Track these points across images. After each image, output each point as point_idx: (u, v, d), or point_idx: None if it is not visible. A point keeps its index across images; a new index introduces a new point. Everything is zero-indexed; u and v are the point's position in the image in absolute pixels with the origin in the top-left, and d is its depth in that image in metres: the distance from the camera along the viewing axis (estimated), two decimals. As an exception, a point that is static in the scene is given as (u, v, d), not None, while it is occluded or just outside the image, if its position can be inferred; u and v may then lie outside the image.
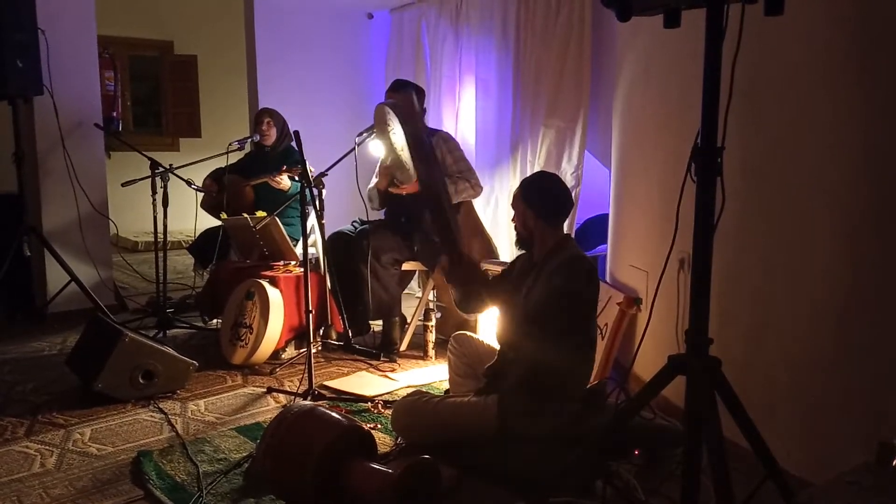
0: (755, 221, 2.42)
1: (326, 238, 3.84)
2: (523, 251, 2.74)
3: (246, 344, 3.61)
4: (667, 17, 1.73)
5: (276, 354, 3.72)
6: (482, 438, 2.46)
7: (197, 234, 4.74)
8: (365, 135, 3.87)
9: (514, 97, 4.43)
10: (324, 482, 2.07)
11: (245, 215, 4.06)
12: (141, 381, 3.12)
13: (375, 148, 3.97)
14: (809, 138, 2.22)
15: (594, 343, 2.59)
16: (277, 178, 4.29)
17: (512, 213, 2.71)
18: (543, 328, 2.41)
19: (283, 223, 4.03)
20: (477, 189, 3.91)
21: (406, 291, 4.27)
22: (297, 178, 4.33)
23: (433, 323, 3.78)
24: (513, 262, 2.83)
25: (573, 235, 4.22)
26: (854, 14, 2.09)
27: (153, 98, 8.65)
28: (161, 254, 4.25)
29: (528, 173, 4.26)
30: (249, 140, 4.50)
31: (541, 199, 2.56)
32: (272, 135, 4.49)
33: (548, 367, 2.40)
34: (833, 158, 2.14)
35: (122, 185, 4.13)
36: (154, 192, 4.17)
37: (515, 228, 2.66)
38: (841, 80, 2.12)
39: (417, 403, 2.62)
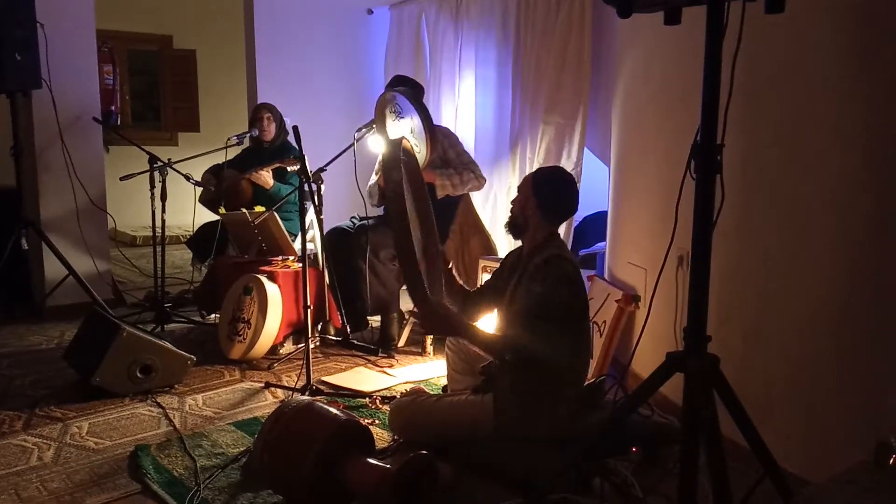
0: (754, 219, 2.42)
1: (325, 234, 3.84)
2: (515, 249, 2.73)
3: (244, 339, 3.61)
4: (667, 14, 1.73)
5: (273, 350, 3.72)
6: (479, 437, 2.46)
7: (195, 229, 4.73)
8: (364, 130, 3.87)
9: (513, 93, 4.43)
10: (321, 477, 2.07)
11: (243, 210, 4.06)
12: (139, 375, 3.12)
13: (374, 143, 3.96)
14: (809, 136, 2.22)
15: (587, 342, 2.57)
16: (261, 173, 4.28)
17: (510, 203, 2.69)
18: (530, 332, 2.39)
19: (281, 218, 4.02)
20: (481, 180, 3.91)
21: (404, 287, 4.26)
22: (288, 177, 4.32)
23: (431, 319, 3.77)
24: (503, 262, 2.79)
25: (572, 232, 4.22)
26: (855, 11, 2.08)
27: (152, 92, 8.64)
28: (159, 248, 4.24)
29: (528, 170, 4.26)
30: (248, 135, 4.50)
31: (550, 193, 2.52)
32: (272, 130, 4.49)
33: (538, 369, 2.38)
34: (833, 156, 2.14)
35: (121, 179, 4.13)
36: (152, 187, 4.16)
37: (512, 210, 2.61)
38: (841, 77, 2.12)
39: (414, 403, 2.62)
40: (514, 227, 2.61)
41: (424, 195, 2.86)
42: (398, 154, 2.50)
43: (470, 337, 2.50)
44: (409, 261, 2.33)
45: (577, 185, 3.88)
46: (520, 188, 2.61)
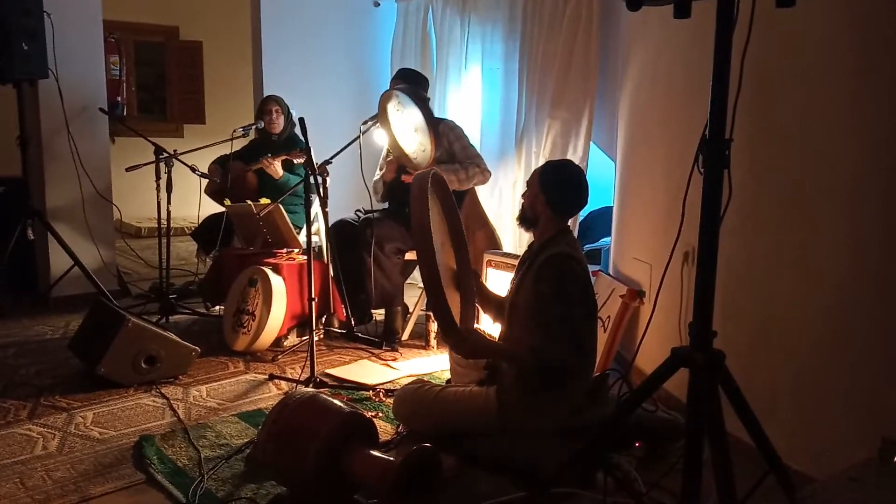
0: (761, 215, 2.41)
1: (330, 226, 3.84)
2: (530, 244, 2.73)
3: (248, 331, 3.62)
4: (677, 8, 1.71)
5: (278, 342, 3.72)
6: (483, 429, 2.46)
7: (200, 221, 4.74)
8: (370, 123, 3.86)
9: (520, 88, 4.41)
10: (325, 469, 2.07)
11: (249, 202, 4.06)
12: (143, 365, 3.13)
13: (380, 137, 3.96)
14: (818, 132, 2.21)
15: (593, 339, 2.57)
16: (270, 161, 4.28)
17: (516, 198, 2.69)
18: (535, 330, 2.39)
19: (286, 211, 4.02)
20: (486, 174, 3.90)
21: (409, 281, 4.26)
22: (295, 169, 4.33)
23: (435, 313, 3.77)
24: (520, 259, 2.79)
25: (577, 227, 4.21)
26: (866, 7, 2.07)
27: (158, 84, 8.62)
28: (164, 240, 4.25)
29: (534, 164, 4.25)
30: (254, 127, 4.49)
31: (557, 188, 2.52)
32: (280, 122, 4.49)
33: (542, 366, 2.38)
34: (841, 153, 2.13)
35: (126, 170, 4.13)
36: (158, 178, 4.17)
37: (522, 205, 2.62)
38: (851, 73, 2.10)
39: (419, 392, 2.63)
40: (524, 220, 2.62)
41: (457, 218, 2.85)
42: (426, 189, 2.45)
43: (500, 356, 2.55)
44: (437, 298, 2.34)
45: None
46: (528, 183, 2.61)
